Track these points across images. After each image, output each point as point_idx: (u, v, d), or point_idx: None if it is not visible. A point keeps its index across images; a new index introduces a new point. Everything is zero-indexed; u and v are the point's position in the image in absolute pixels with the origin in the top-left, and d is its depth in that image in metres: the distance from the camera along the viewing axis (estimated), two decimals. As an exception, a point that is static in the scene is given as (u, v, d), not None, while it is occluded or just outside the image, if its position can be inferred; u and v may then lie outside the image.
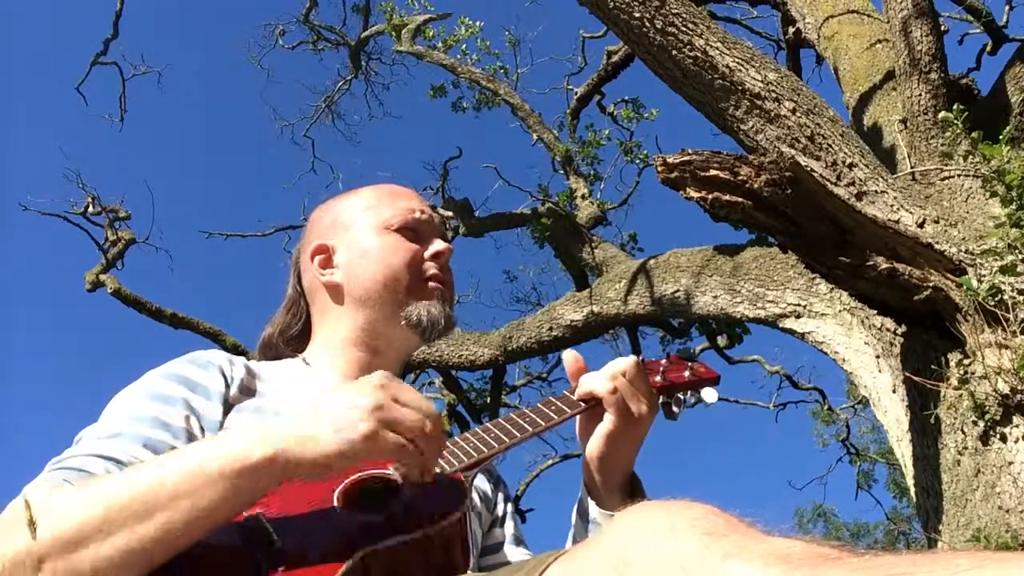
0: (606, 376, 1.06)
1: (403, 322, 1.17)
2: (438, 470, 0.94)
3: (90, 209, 7.13)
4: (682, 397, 1.23)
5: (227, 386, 1.05)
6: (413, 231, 1.21)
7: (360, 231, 1.21)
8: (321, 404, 0.83)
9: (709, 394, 1.23)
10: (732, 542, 0.53)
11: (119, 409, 0.98)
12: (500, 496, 1.26)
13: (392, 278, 1.17)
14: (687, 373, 1.23)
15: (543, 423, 1.04)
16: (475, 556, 1.11)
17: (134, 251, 7.11)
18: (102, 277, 6.41)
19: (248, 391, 1.08)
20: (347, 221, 1.23)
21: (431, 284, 1.19)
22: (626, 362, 1.08)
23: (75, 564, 0.73)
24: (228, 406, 1.03)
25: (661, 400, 1.21)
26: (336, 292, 1.20)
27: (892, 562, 0.47)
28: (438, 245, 1.21)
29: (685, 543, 0.54)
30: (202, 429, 0.99)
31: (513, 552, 1.20)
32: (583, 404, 1.08)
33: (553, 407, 1.07)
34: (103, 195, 7.27)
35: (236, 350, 5.76)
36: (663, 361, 1.26)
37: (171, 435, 0.95)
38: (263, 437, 0.80)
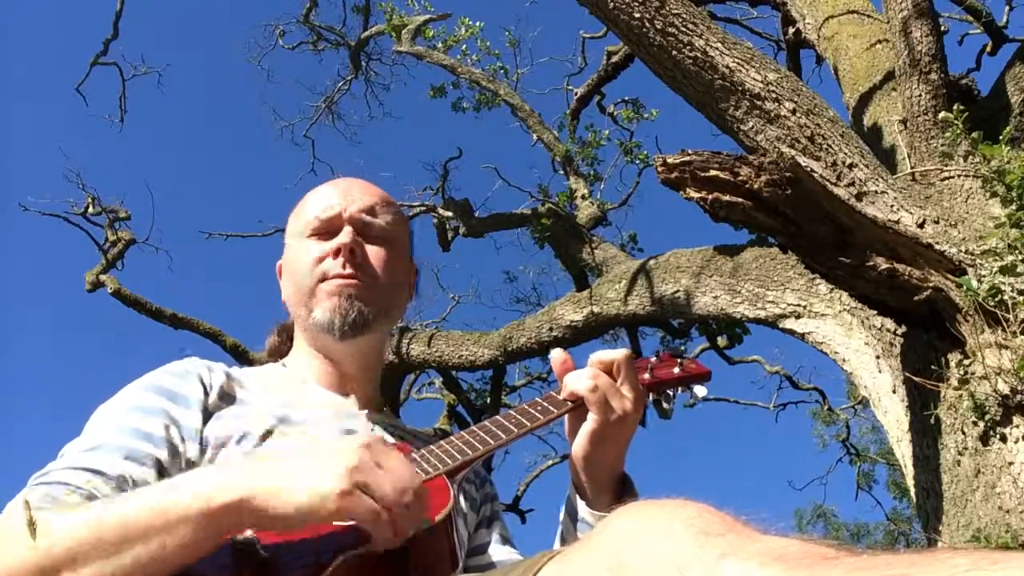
0: (588, 374, 1.04)
1: (314, 329, 1.15)
2: (425, 474, 0.94)
3: (90, 209, 7.13)
4: (672, 393, 1.20)
5: (206, 393, 1.06)
6: (325, 233, 1.18)
7: (288, 246, 1.24)
8: (302, 455, 0.82)
9: (699, 388, 1.21)
10: (727, 541, 0.52)
11: (100, 422, 0.99)
12: (486, 497, 1.26)
13: (297, 287, 1.17)
14: (676, 370, 1.20)
15: (528, 424, 1.04)
16: (462, 558, 1.10)
17: (134, 251, 7.11)
18: (102, 277, 6.41)
19: (229, 397, 1.09)
20: (286, 238, 1.27)
21: (328, 282, 1.14)
22: (610, 355, 1.05)
23: None
24: (208, 413, 1.04)
25: (652, 398, 1.19)
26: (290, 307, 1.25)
27: (890, 561, 0.46)
28: (340, 238, 1.15)
29: (680, 542, 0.54)
30: (182, 438, 1.00)
31: (499, 552, 1.19)
32: (568, 404, 1.06)
33: (539, 407, 1.07)
34: (103, 195, 7.27)
35: (236, 350, 5.76)
36: (652, 359, 1.23)
37: (152, 445, 0.96)
38: (230, 483, 0.79)
